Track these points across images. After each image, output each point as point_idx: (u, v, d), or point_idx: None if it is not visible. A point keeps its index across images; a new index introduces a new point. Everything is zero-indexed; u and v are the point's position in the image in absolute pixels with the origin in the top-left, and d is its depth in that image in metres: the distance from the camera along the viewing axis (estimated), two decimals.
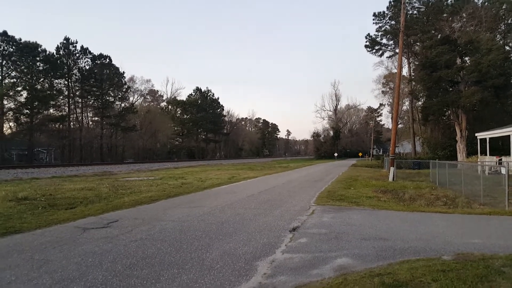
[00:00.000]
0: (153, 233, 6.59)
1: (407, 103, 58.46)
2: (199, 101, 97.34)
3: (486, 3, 40.66)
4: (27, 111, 53.94)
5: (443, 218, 8.24)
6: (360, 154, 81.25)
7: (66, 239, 6.11)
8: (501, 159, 23.48)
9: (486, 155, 26.31)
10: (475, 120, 36.85)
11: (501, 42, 39.92)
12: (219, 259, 4.93)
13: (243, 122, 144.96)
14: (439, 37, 38.43)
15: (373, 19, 50.34)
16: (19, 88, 53.81)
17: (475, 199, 10.92)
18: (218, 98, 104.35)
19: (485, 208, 9.57)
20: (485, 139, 26.52)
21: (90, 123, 69.45)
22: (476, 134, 28.57)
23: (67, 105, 61.34)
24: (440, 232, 6.68)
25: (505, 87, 33.25)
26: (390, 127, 58.25)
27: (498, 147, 29.04)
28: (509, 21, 40.60)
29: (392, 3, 47.28)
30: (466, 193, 12.02)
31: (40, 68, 56.34)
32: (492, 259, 4.67)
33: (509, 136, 23.12)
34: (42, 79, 57.19)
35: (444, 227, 7.19)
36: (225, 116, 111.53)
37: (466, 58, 35.90)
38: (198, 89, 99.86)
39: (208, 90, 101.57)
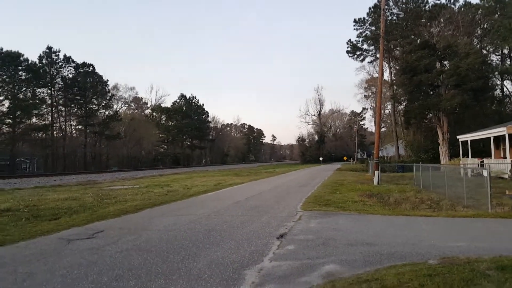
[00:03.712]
0: (139, 243, 6.49)
1: (389, 107, 59.55)
2: (184, 108, 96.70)
3: (463, 9, 41.94)
4: (9, 120, 52.78)
5: (428, 221, 8.37)
6: (345, 158, 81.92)
7: (51, 251, 5.97)
8: (482, 161, 24.04)
9: (468, 157, 26.88)
10: (456, 123, 37.75)
11: (478, 46, 41.18)
12: (207, 269, 4.89)
13: (228, 128, 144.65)
14: (418, 42, 39.36)
15: (354, 25, 51.38)
16: (1, 98, 52.90)
17: (459, 201, 11.12)
18: (203, 104, 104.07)
19: (469, 210, 9.76)
20: (467, 141, 27.12)
21: (74, 131, 68.34)
22: (458, 137, 29.19)
23: (50, 114, 60.25)
24: (426, 235, 6.79)
25: (483, 90, 34.18)
26: (374, 130, 59.12)
27: (480, 149, 29.76)
28: (485, 26, 41.96)
29: (372, 9, 48.36)
30: (449, 195, 12.23)
31: (23, 77, 55.38)
32: (477, 262, 4.74)
33: (489, 138, 23.73)
34: (24, 88, 56.14)
35: (429, 230, 7.31)
36: (210, 122, 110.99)
37: (445, 62, 36.82)
38: (182, 96, 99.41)
39: (193, 96, 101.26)
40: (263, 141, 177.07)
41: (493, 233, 7.14)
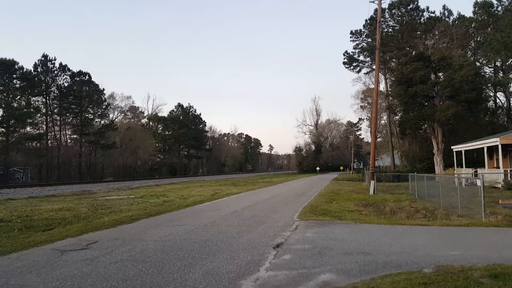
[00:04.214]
0: (134, 253, 6.45)
1: (385, 117, 59.97)
2: (181, 117, 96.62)
3: (457, 22, 42.63)
4: (3, 129, 52.34)
5: (423, 230, 8.40)
6: (341, 167, 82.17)
7: (44, 263, 5.91)
8: (476, 171, 24.21)
9: (462, 167, 27.08)
10: (451, 134, 38.09)
11: (472, 58, 41.74)
12: (202, 279, 4.87)
13: (225, 138, 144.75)
14: (413, 53, 39.86)
15: (350, 37, 51.85)
16: None
17: (453, 210, 11.18)
18: (200, 114, 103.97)
19: (463, 219, 9.81)
20: (461, 151, 27.35)
21: (69, 141, 67.87)
22: (452, 147, 29.46)
23: (44, 123, 59.73)
24: (421, 244, 6.81)
25: (477, 101, 34.57)
26: (370, 141, 59.44)
27: (473, 159, 30.02)
28: (478, 39, 42.62)
29: (368, 21, 48.82)
30: (444, 205, 12.29)
31: (17, 85, 54.95)
32: (471, 270, 4.79)
33: (483, 148, 23.95)
34: (19, 97, 55.74)
35: (424, 239, 7.33)
36: (207, 131, 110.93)
37: (440, 74, 37.24)
38: (179, 105, 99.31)
39: (190, 106, 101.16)
40: (261, 150, 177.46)
41: (487, 242, 7.19)
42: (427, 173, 25.60)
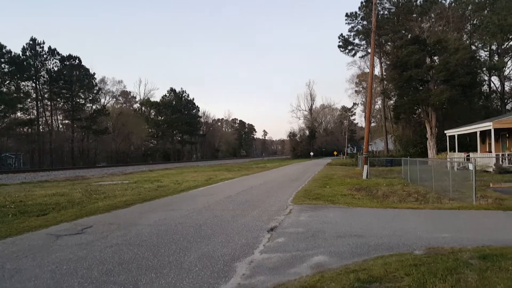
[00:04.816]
0: (129, 238, 6.49)
1: (379, 102, 60.11)
2: (174, 102, 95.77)
3: (453, 4, 42.24)
4: None
5: (415, 213, 8.54)
6: (335, 152, 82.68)
7: (39, 247, 5.93)
8: (468, 155, 24.49)
9: (455, 151, 27.36)
10: (444, 118, 38.34)
11: (467, 41, 41.60)
12: (198, 262, 4.93)
13: (219, 123, 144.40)
14: (409, 37, 39.63)
15: (346, 19, 51.11)
16: None
17: (445, 194, 11.33)
18: (193, 99, 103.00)
19: (454, 203, 9.96)
20: (454, 136, 27.58)
21: (60, 126, 67.25)
22: (445, 131, 29.68)
23: (35, 108, 58.96)
24: (412, 227, 6.93)
25: (471, 85, 34.66)
26: (364, 125, 59.62)
27: (466, 144, 30.31)
28: (475, 21, 42.35)
29: (364, 3, 48.19)
30: (436, 189, 12.45)
31: (5, 70, 53.81)
32: (461, 252, 4.90)
33: (476, 132, 24.17)
34: (8, 82, 54.70)
35: (415, 222, 7.46)
36: (201, 117, 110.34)
37: (435, 58, 37.17)
38: (172, 90, 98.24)
39: (183, 90, 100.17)
40: (255, 136, 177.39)
41: (477, 225, 7.34)
42: (420, 157, 25.86)
